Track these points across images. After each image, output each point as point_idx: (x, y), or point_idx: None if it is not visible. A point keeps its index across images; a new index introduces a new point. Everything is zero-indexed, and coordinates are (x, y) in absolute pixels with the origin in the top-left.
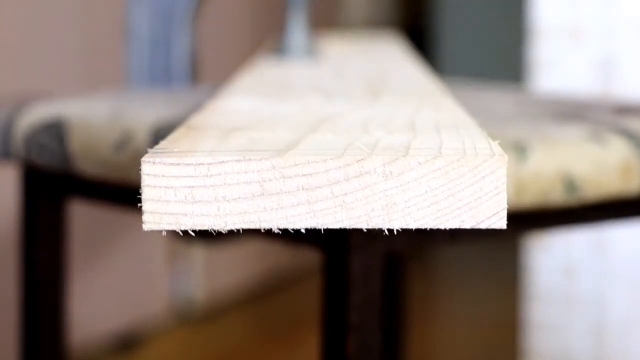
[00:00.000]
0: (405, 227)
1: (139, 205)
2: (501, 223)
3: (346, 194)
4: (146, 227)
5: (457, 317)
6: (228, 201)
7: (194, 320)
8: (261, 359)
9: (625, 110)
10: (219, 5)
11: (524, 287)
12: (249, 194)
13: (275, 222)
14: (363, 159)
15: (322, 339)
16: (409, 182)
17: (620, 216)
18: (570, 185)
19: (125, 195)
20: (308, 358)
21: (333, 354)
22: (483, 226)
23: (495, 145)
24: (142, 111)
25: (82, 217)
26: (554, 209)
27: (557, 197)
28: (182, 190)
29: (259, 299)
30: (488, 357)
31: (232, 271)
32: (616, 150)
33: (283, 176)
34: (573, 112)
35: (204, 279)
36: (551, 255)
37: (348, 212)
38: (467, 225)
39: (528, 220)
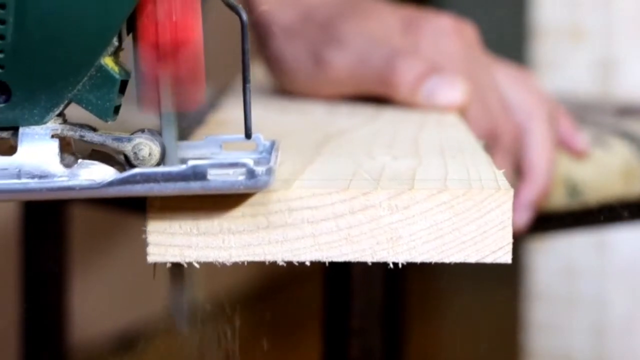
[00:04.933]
0: (409, 260)
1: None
2: (506, 257)
3: (351, 227)
4: (150, 258)
5: (457, 317)
6: (233, 233)
7: (194, 320)
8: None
9: (626, 111)
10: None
11: (524, 287)
12: (254, 226)
13: (280, 255)
14: (368, 192)
15: (323, 343)
16: (414, 216)
17: (622, 219)
18: (573, 189)
19: (126, 197)
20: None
21: (334, 358)
22: (487, 260)
23: (500, 176)
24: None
25: (82, 217)
26: (556, 212)
27: (559, 200)
28: (187, 222)
29: (259, 299)
30: (488, 357)
31: (232, 271)
32: (618, 154)
33: (288, 209)
34: (574, 114)
35: (204, 279)
36: (551, 256)
37: (353, 245)
38: (472, 259)
39: (530, 224)
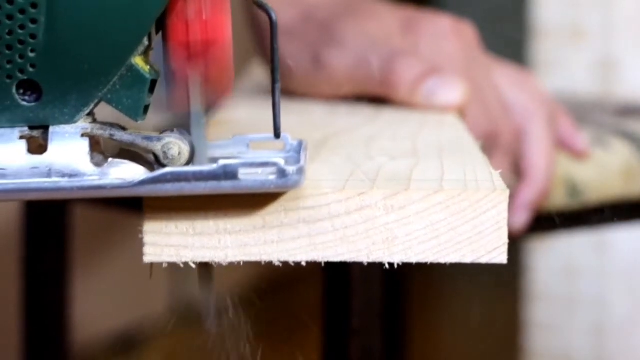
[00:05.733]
0: (405, 260)
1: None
2: (501, 257)
3: (347, 227)
4: (147, 258)
5: (457, 317)
6: (229, 233)
7: (194, 320)
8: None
9: (626, 111)
10: None
11: (525, 287)
12: (250, 227)
13: (276, 255)
14: (364, 192)
15: (323, 343)
16: (409, 216)
17: (622, 219)
18: (573, 189)
19: (126, 197)
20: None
21: (334, 358)
22: (483, 260)
23: (497, 176)
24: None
25: (84, 217)
26: (555, 212)
27: (559, 200)
28: (184, 222)
29: (259, 299)
30: (488, 357)
31: (232, 271)
32: (618, 154)
33: (284, 209)
34: (574, 114)
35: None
36: (551, 255)
37: (349, 245)
38: (468, 259)
39: (530, 223)
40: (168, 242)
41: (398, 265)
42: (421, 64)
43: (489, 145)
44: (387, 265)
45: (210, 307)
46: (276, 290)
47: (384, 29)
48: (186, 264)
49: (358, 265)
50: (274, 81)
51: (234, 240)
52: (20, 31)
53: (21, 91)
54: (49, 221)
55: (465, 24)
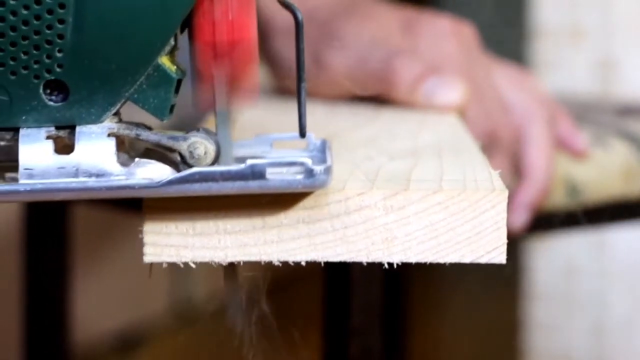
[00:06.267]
0: (404, 260)
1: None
2: (500, 257)
3: (346, 227)
4: (147, 258)
5: (457, 317)
6: (229, 233)
7: (194, 320)
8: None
9: (626, 111)
10: None
11: (524, 287)
12: (250, 227)
13: (276, 255)
14: (364, 192)
15: (323, 343)
16: (409, 216)
17: (622, 219)
18: (572, 189)
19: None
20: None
21: (334, 358)
22: (482, 260)
23: (496, 176)
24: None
25: (84, 217)
26: (555, 212)
27: (558, 200)
28: (183, 222)
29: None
30: (488, 357)
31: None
32: (618, 154)
33: (284, 209)
34: (574, 114)
35: (204, 279)
36: (551, 255)
37: (348, 245)
38: (467, 259)
39: (530, 223)
40: (168, 242)
41: (398, 265)
42: (421, 64)
43: (488, 145)
44: (386, 265)
45: (236, 305)
46: (276, 288)
47: (384, 29)
48: (186, 264)
49: (358, 265)
50: (299, 81)
51: (233, 240)
52: (47, 31)
53: (48, 91)
54: (49, 221)
55: (465, 24)
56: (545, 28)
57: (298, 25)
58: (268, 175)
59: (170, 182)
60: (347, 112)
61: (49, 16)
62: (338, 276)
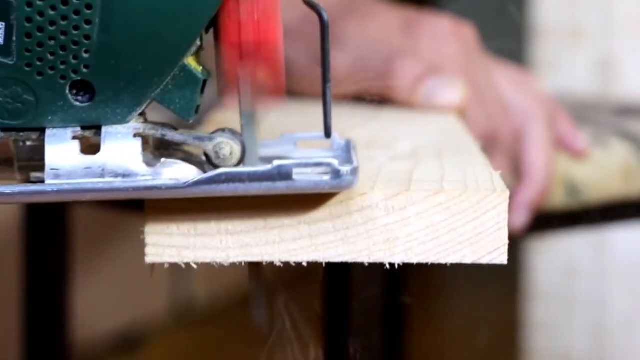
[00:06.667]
0: (406, 261)
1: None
2: (502, 258)
3: (348, 228)
4: (148, 259)
5: (457, 317)
6: (230, 234)
7: (194, 320)
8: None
9: (626, 111)
10: None
11: (524, 287)
12: (251, 227)
13: (277, 256)
14: (365, 193)
15: (323, 343)
16: (410, 217)
17: (622, 219)
18: (572, 189)
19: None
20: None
21: (334, 358)
22: (484, 261)
23: (497, 177)
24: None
25: (84, 217)
26: (555, 212)
27: (558, 200)
28: (185, 223)
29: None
30: (488, 357)
31: (232, 271)
32: (617, 154)
33: (285, 209)
34: (574, 114)
35: (204, 279)
36: (551, 255)
37: (349, 245)
38: (468, 260)
39: (530, 223)
40: (169, 243)
41: (398, 265)
42: (421, 64)
43: (488, 145)
44: (387, 266)
45: (261, 304)
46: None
47: (384, 29)
48: (187, 264)
49: (358, 265)
50: (325, 81)
51: (235, 240)
52: (74, 32)
53: (74, 91)
54: (49, 221)
55: (465, 24)
56: (545, 28)
57: (324, 25)
58: (295, 176)
59: (197, 183)
60: (347, 112)
61: (75, 17)
62: (338, 276)
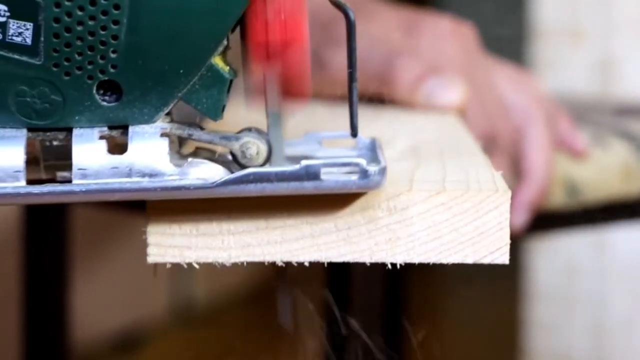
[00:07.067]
0: (408, 261)
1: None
2: (503, 258)
3: (350, 228)
4: (150, 259)
5: (457, 317)
6: (232, 234)
7: (194, 320)
8: (261, 359)
9: (625, 111)
10: None
11: (524, 287)
12: (253, 227)
13: (279, 256)
14: (366, 193)
15: (323, 343)
16: (412, 217)
17: (621, 219)
18: (572, 189)
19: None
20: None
21: (335, 358)
22: (485, 261)
23: (498, 177)
24: None
25: (84, 217)
26: (555, 212)
27: (558, 200)
28: (187, 223)
29: (259, 299)
30: (488, 357)
31: (232, 271)
32: (617, 154)
33: (287, 209)
34: (574, 114)
35: (204, 279)
36: (551, 255)
37: (351, 246)
38: (470, 260)
39: (530, 223)
40: (171, 243)
41: (400, 265)
42: (421, 64)
43: (488, 145)
44: (389, 266)
45: (287, 303)
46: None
47: (385, 29)
48: (189, 264)
49: (358, 265)
50: (351, 80)
51: (237, 240)
52: (102, 32)
53: (101, 91)
54: (49, 221)
55: (465, 25)
56: (545, 28)
57: (350, 25)
58: (323, 176)
59: (226, 183)
60: (347, 112)
61: (103, 17)
62: (338, 277)
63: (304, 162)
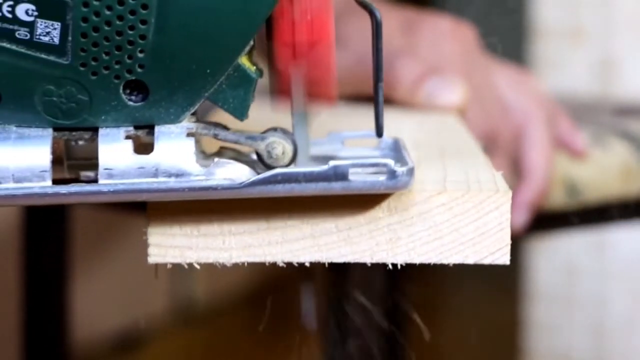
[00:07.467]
0: (408, 261)
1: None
2: (504, 258)
3: (350, 228)
4: (151, 259)
5: (457, 317)
6: (233, 234)
7: (194, 320)
8: (261, 359)
9: (625, 111)
10: None
11: (524, 287)
12: (254, 228)
13: (280, 256)
14: (367, 193)
15: (323, 343)
16: (412, 217)
17: (621, 218)
18: (572, 189)
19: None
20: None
21: (335, 358)
22: (486, 261)
23: (499, 177)
24: None
25: (84, 218)
26: (555, 212)
27: (558, 200)
28: (188, 223)
29: (259, 299)
30: (488, 357)
31: (232, 271)
32: (617, 154)
33: (287, 210)
34: (574, 114)
35: (204, 279)
36: (551, 255)
37: (352, 246)
38: (470, 260)
39: (530, 223)
40: (172, 243)
41: (400, 265)
42: (421, 64)
43: (488, 145)
44: (390, 266)
45: (310, 305)
46: (276, 288)
47: (385, 29)
48: (189, 264)
49: (358, 265)
50: (377, 80)
51: (238, 241)
52: (130, 32)
53: (128, 91)
54: (49, 221)
55: (465, 25)
56: (545, 28)
57: (377, 25)
58: (350, 177)
59: (254, 183)
60: (347, 112)
61: (131, 17)
62: (337, 275)
63: (332, 163)
